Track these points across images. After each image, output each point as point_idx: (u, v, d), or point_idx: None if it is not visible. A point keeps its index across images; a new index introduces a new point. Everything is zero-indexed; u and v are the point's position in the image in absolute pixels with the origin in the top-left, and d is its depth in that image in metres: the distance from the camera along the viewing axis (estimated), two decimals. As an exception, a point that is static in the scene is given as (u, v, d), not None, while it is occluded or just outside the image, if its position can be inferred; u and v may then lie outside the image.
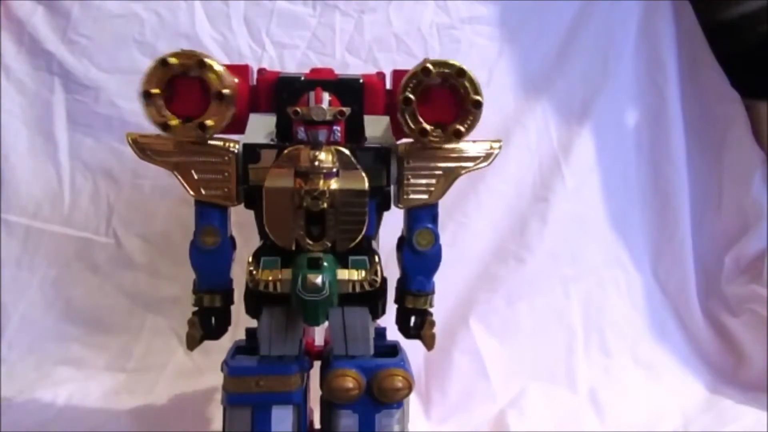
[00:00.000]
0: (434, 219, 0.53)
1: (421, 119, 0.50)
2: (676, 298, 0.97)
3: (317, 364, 0.57)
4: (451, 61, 0.49)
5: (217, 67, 0.49)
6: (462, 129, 0.50)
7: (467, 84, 0.49)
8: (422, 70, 0.49)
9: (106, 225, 0.92)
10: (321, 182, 0.48)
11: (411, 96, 0.49)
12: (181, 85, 0.50)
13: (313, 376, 0.56)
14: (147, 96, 0.49)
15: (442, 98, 0.50)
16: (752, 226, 0.98)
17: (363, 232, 0.51)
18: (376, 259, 0.51)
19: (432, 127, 0.50)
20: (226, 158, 0.51)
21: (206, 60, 0.49)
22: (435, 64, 0.49)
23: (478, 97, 0.50)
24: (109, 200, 0.92)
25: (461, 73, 0.49)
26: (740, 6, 1.01)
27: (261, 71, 0.55)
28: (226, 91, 0.49)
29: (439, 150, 0.52)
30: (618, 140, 0.98)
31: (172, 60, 0.49)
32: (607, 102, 0.97)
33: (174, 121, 0.49)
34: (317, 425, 0.58)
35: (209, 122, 0.49)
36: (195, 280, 0.54)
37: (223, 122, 0.50)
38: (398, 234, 0.55)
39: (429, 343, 0.55)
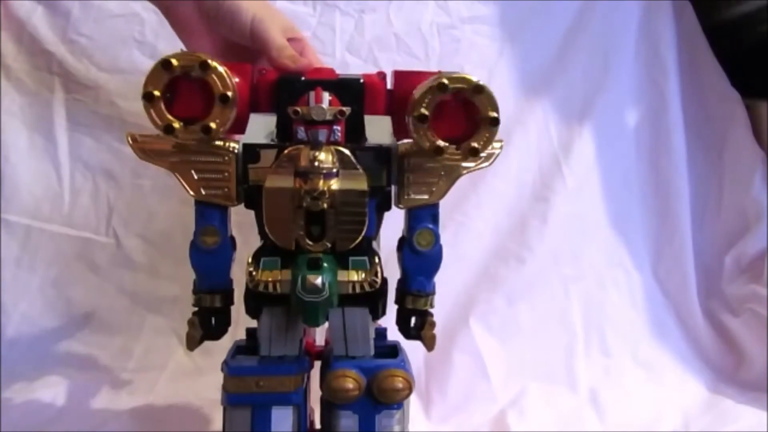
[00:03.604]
0: (435, 219, 0.53)
1: (434, 137, 0.49)
2: (676, 298, 0.97)
3: (317, 364, 0.57)
4: (468, 77, 0.48)
5: (220, 69, 0.49)
6: (478, 146, 0.49)
7: (483, 100, 0.48)
8: (438, 86, 0.48)
9: (106, 225, 0.92)
10: (321, 182, 0.48)
11: (426, 113, 0.48)
12: (182, 87, 0.49)
13: (314, 376, 0.56)
14: (149, 98, 0.48)
15: (456, 113, 0.49)
16: (752, 226, 0.98)
17: (363, 233, 0.50)
18: (377, 259, 0.51)
19: (446, 144, 0.49)
20: (225, 158, 0.51)
21: (209, 61, 0.48)
22: (451, 79, 0.48)
23: (495, 114, 0.49)
24: (109, 200, 0.93)
25: (479, 89, 0.48)
26: (740, 6, 1.01)
27: (261, 71, 0.55)
28: (229, 93, 0.48)
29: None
30: (618, 140, 0.98)
31: (175, 61, 0.48)
32: (607, 102, 0.97)
33: (176, 124, 0.49)
34: (318, 425, 0.58)
35: (213, 125, 0.49)
36: (195, 280, 0.54)
37: (226, 124, 0.49)
38: (399, 234, 0.55)
39: (429, 344, 0.55)
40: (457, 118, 0.49)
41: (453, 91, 0.48)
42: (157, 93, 0.48)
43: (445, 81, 0.48)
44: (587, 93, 0.97)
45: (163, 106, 0.49)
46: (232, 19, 0.59)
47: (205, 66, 0.48)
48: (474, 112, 0.49)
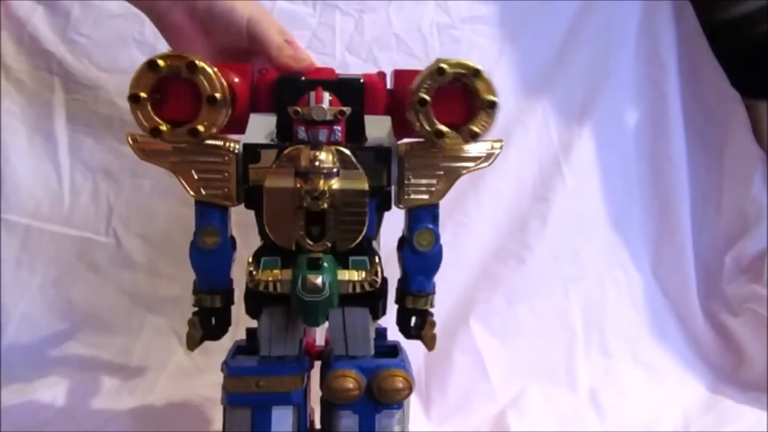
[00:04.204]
0: (435, 219, 0.53)
1: (435, 120, 0.49)
2: (676, 298, 0.97)
3: (318, 364, 0.57)
4: (466, 62, 0.49)
5: (209, 70, 0.48)
6: (477, 130, 0.50)
7: (482, 84, 0.49)
8: (437, 71, 0.48)
9: (106, 225, 0.92)
10: (321, 182, 0.48)
11: (426, 97, 0.49)
12: (171, 88, 0.49)
13: (314, 376, 0.56)
14: (135, 100, 0.48)
15: (455, 98, 0.50)
16: (752, 226, 0.98)
17: (363, 233, 0.50)
18: (377, 259, 0.51)
19: (447, 129, 0.50)
20: (226, 158, 0.51)
21: (197, 62, 0.48)
22: (450, 64, 0.49)
23: (493, 98, 0.49)
24: (109, 200, 0.93)
25: (476, 73, 0.49)
26: (740, 6, 1.01)
27: (261, 71, 0.55)
28: (217, 95, 0.48)
29: (440, 150, 0.52)
30: (618, 140, 0.98)
31: (161, 62, 0.48)
32: (607, 102, 0.97)
33: (164, 127, 0.48)
34: (318, 425, 0.58)
35: (200, 127, 0.48)
36: (195, 280, 0.54)
37: (215, 126, 0.49)
38: (399, 234, 0.55)
39: (430, 344, 0.55)
40: (456, 103, 0.50)
41: (452, 76, 0.49)
42: (143, 95, 0.48)
43: (444, 66, 0.48)
44: (587, 93, 0.97)
45: (150, 108, 0.48)
46: (226, 21, 0.59)
47: (192, 67, 0.48)
48: (472, 97, 0.49)
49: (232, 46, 0.60)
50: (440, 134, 0.49)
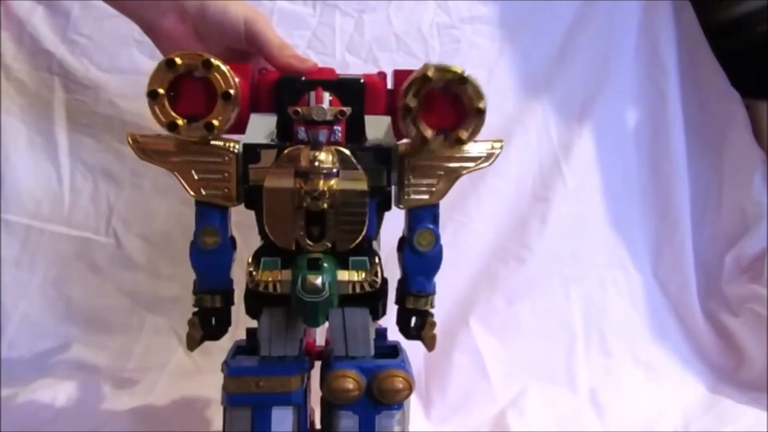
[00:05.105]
0: (435, 219, 0.53)
1: (421, 126, 0.49)
2: (676, 298, 0.97)
3: (318, 364, 0.57)
4: (453, 68, 0.48)
5: (223, 67, 0.49)
6: (464, 137, 0.49)
7: (470, 91, 0.49)
8: (422, 78, 0.48)
9: (106, 225, 0.93)
10: (321, 182, 0.48)
11: (411, 104, 0.49)
12: (185, 86, 0.49)
13: (314, 376, 0.56)
14: (154, 96, 0.49)
15: (444, 104, 0.49)
16: (752, 226, 0.98)
17: (363, 233, 0.50)
18: (377, 259, 0.51)
19: (433, 135, 0.49)
20: (226, 158, 0.51)
21: (213, 60, 0.49)
22: (436, 70, 0.48)
23: (480, 105, 0.49)
24: (109, 200, 0.93)
25: (463, 80, 0.48)
26: (740, 6, 1.01)
27: (262, 71, 0.55)
28: (232, 90, 0.49)
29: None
30: (618, 140, 0.98)
31: (178, 60, 0.49)
32: (607, 102, 0.97)
33: (180, 121, 0.49)
34: (318, 425, 0.58)
35: (215, 122, 0.49)
36: (195, 280, 0.54)
37: (228, 122, 0.50)
38: (399, 234, 0.55)
39: (430, 344, 0.55)
40: (444, 108, 0.50)
41: (439, 82, 0.48)
42: (161, 91, 0.49)
43: (430, 72, 0.48)
44: (587, 93, 0.97)
45: (167, 104, 0.49)
46: (221, 23, 0.59)
47: (208, 64, 0.49)
48: (460, 102, 0.49)
49: (227, 48, 0.60)
50: (425, 141, 0.49)
